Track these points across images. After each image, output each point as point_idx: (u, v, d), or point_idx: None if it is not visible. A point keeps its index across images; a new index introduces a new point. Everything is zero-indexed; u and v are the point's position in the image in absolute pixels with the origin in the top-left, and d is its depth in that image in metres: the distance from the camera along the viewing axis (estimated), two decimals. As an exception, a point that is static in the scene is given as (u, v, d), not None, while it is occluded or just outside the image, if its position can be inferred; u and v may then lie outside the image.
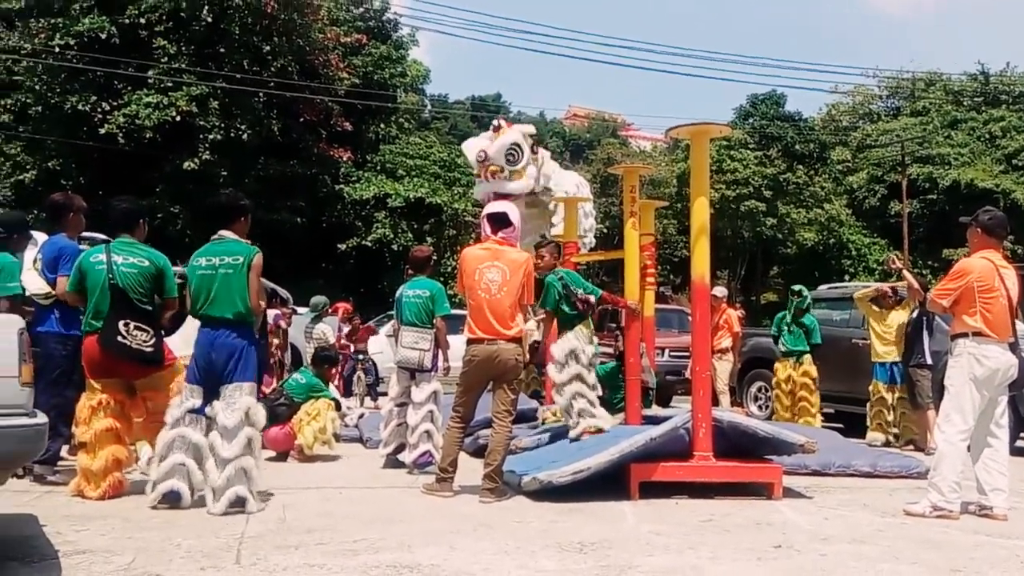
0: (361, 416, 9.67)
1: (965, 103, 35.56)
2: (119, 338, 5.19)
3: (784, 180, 32.80)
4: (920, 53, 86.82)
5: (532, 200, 10.26)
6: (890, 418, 9.30)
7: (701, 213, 5.97)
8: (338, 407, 8.24)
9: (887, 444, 9.08)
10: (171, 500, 5.00)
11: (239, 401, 5.02)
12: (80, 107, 20.77)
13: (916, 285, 8.71)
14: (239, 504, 4.92)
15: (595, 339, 7.08)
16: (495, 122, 9.36)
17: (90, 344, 5.29)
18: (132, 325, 5.22)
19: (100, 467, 5.16)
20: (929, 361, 8.73)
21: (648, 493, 5.53)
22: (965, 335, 5.31)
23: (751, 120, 34.69)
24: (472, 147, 9.70)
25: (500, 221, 5.81)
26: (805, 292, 9.98)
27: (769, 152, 33.21)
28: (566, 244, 9.11)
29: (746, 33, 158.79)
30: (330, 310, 12.61)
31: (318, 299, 11.95)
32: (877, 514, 5.31)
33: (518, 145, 9.28)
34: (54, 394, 5.47)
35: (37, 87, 21.72)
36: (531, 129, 9.42)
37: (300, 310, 11.97)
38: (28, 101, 22.25)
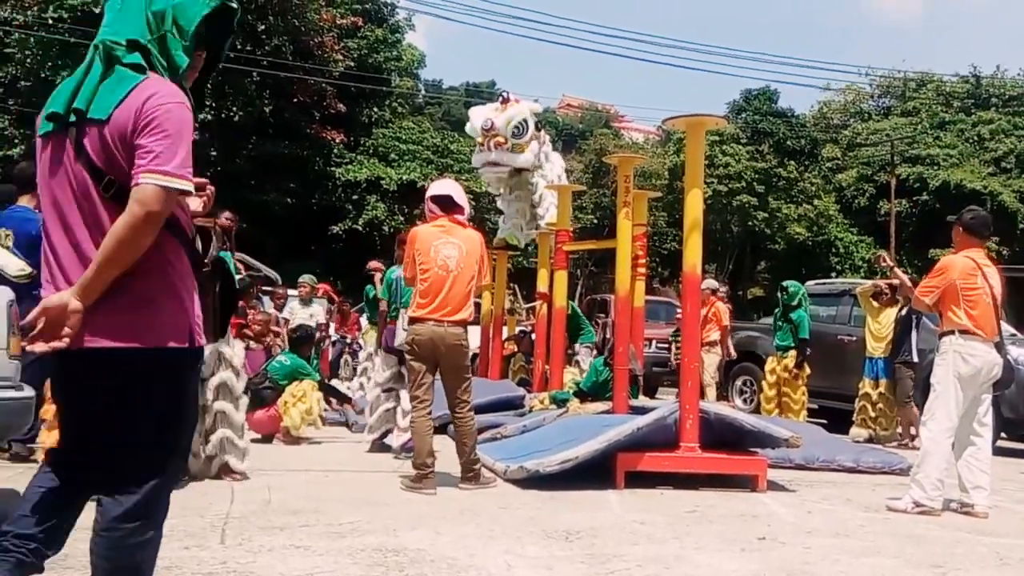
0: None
1: (955, 105, 35.66)
2: None
3: (775, 175, 32.88)
4: (912, 54, 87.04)
5: (517, 182, 10.28)
6: (873, 414, 9.37)
7: (695, 205, 5.98)
8: (347, 400, 8.36)
9: (870, 440, 9.15)
10: None
11: None
12: (71, 81, 20.57)
13: (908, 282, 8.74)
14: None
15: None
16: (503, 94, 9.41)
17: None
18: None
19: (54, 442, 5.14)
20: (915, 359, 8.79)
21: (634, 482, 5.55)
22: (951, 332, 5.34)
23: (744, 115, 34.69)
24: (478, 114, 9.73)
25: (447, 203, 5.58)
26: (792, 289, 9.95)
27: (761, 147, 33.26)
28: (558, 232, 9.12)
29: (741, 28, 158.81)
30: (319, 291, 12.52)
31: (306, 277, 11.84)
32: (860, 509, 5.35)
33: (525, 120, 9.36)
34: (43, 369, 5.41)
35: (28, 60, 21.46)
36: (538, 107, 9.49)
37: (292, 292, 11.89)
38: (18, 75, 22.00)
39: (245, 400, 5.60)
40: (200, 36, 2.19)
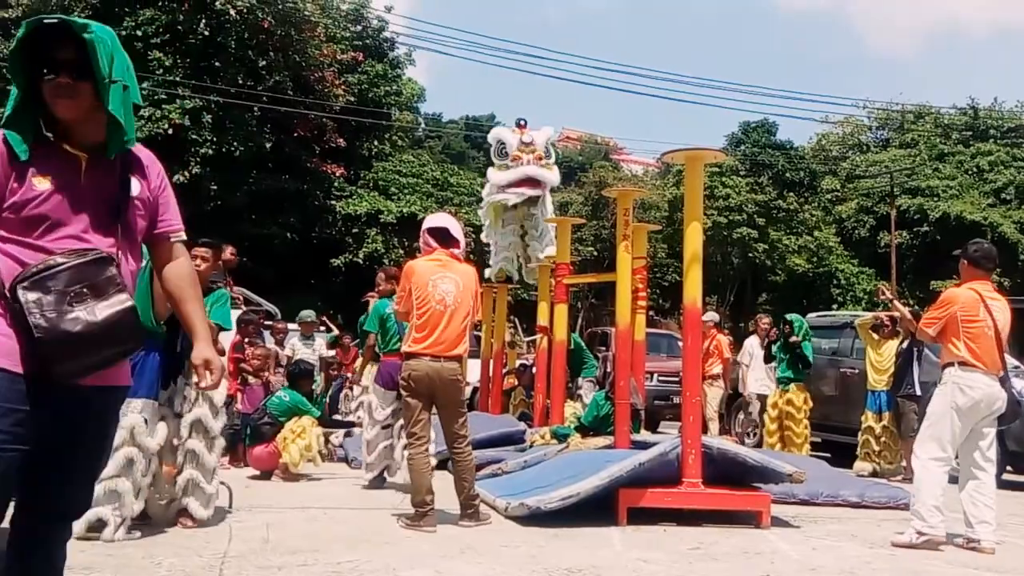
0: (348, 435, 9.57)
1: (954, 137, 35.84)
2: None
3: (775, 207, 32.99)
4: (910, 87, 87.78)
5: (512, 216, 10.38)
6: (877, 447, 9.29)
7: (694, 238, 5.98)
8: (352, 425, 8.35)
9: (874, 474, 9.07)
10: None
11: (124, 420, 4.51)
12: (73, 117, 20.69)
13: (908, 315, 8.72)
14: (97, 528, 4.42)
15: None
16: (519, 120, 9.66)
17: None
18: None
19: None
20: (918, 392, 8.73)
21: (636, 519, 5.48)
22: (952, 364, 5.33)
23: (743, 147, 34.89)
24: (504, 134, 9.92)
25: (443, 236, 5.55)
26: (797, 323, 9.89)
27: (760, 179, 33.40)
28: (558, 265, 9.12)
29: (739, 61, 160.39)
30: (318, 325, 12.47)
31: (305, 312, 11.77)
32: (865, 545, 5.28)
33: (553, 143, 9.67)
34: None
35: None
36: (554, 136, 9.84)
37: (292, 326, 11.84)
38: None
39: (221, 442, 5.23)
40: (31, 67, 2.28)
